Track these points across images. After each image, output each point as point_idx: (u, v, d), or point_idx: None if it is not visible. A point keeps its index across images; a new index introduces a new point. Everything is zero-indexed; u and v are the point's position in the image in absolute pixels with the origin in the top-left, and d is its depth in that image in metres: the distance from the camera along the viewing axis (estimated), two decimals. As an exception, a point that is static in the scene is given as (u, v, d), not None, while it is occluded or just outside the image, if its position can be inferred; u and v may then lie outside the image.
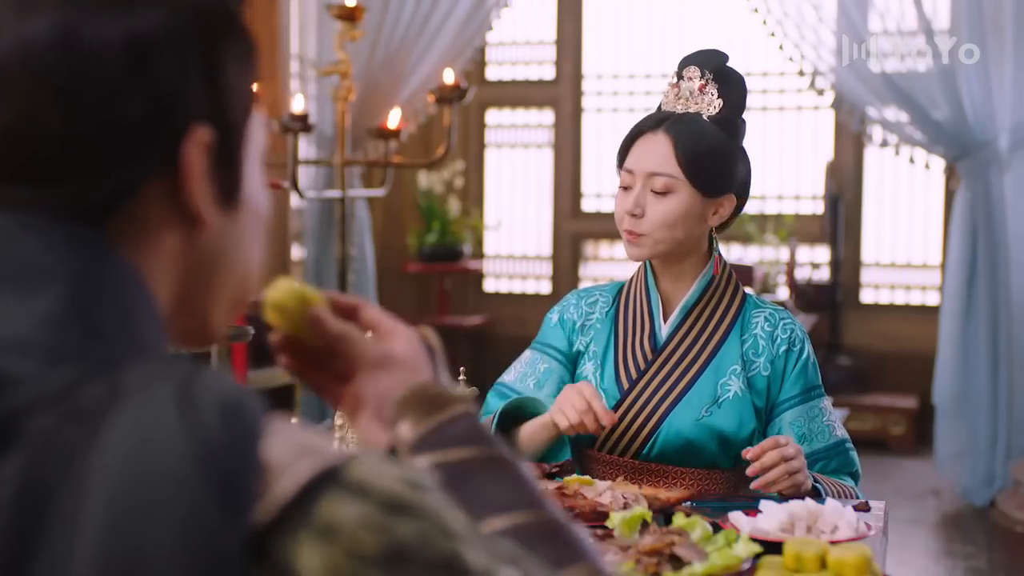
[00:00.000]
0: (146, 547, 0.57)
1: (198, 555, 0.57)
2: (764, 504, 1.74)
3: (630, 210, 2.03)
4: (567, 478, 1.85)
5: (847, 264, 6.33)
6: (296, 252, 5.76)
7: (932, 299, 6.20)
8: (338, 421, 1.83)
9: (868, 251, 6.39)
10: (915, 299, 6.37)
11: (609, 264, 6.73)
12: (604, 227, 6.48)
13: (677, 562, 1.53)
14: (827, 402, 2.09)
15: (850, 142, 6.23)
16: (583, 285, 6.63)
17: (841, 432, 2.08)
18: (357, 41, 4.13)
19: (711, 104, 2.04)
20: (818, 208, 6.40)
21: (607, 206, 6.51)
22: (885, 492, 4.81)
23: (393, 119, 4.16)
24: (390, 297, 6.36)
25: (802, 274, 6.19)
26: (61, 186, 0.68)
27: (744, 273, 4.89)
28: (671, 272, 2.10)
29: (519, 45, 6.90)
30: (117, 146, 0.68)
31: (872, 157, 6.30)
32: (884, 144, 5.23)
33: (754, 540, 1.61)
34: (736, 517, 1.73)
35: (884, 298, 6.41)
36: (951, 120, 4.97)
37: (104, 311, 0.67)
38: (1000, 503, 4.83)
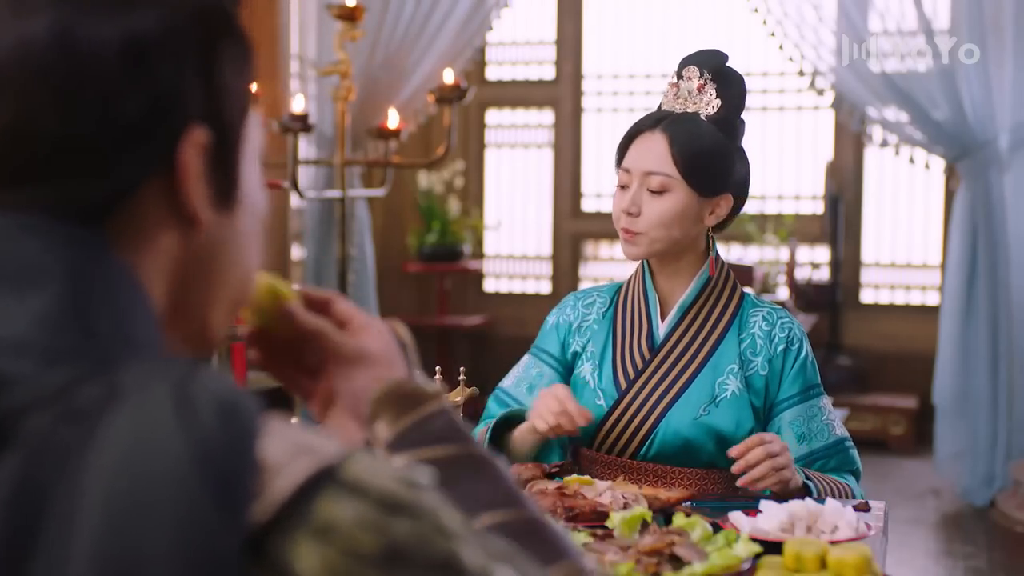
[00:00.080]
0: (143, 547, 0.57)
1: (195, 555, 0.57)
2: (764, 504, 1.74)
3: (626, 209, 2.04)
4: (567, 478, 1.85)
5: (847, 264, 6.33)
6: (296, 252, 5.76)
7: (932, 299, 6.20)
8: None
9: (868, 251, 6.39)
10: (915, 299, 6.37)
11: (609, 264, 6.73)
12: (604, 227, 6.47)
13: (677, 562, 1.53)
14: (826, 401, 2.09)
15: (850, 142, 6.23)
16: (583, 285, 6.64)
17: (841, 431, 2.08)
18: (357, 41, 4.13)
19: (709, 104, 2.05)
20: (818, 208, 6.40)
21: (607, 206, 6.50)
22: (885, 492, 4.81)
23: (392, 120, 4.16)
24: (390, 297, 6.36)
25: (802, 274, 6.19)
26: (59, 186, 0.68)
27: (744, 273, 4.89)
28: (668, 271, 2.10)
29: (519, 45, 6.90)
30: (115, 146, 0.68)
31: (872, 157, 6.30)
32: (884, 144, 5.23)
33: (754, 540, 1.61)
34: (736, 517, 1.73)
35: (884, 298, 6.41)
36: (951, 120, 4.97)
37: (101, 311, 0.67)
38: (1000, 503, 4.83)
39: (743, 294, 2.13)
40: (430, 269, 6.55)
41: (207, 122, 0.71)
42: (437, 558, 0.61)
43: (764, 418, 2.06)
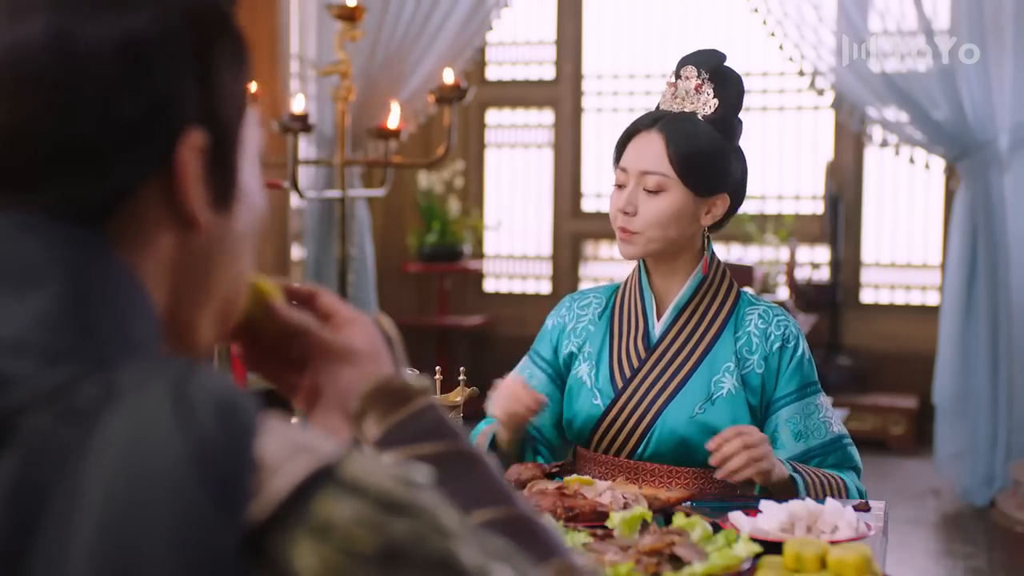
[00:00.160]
0: (141, 546, 0.57)
1: (193, 555, 0.57)
2: (764, 504, 1.74)
3: (622, 208, 2.05)
4: (567, 478, 1.85)
5: (847, 264, 6.33)
6: (296, 252, 5.76)
7: (932, 299, 6.20)
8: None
9: (868, 251, 6.39)
10: (915, 299, 6.37)
11: (609, 264, 6.73)
12: (604, 227, 6.44)
13: (677, 562, 1.53)
14: (823, 399, 2.09)
15: (850, 142, 6.23)
16: (583, 285, 6.64)
17: (838, 428, 2.08)
18: (357, 41, 4.13)
19: (707, 104, 2.05)
20: (818, 208, 6.40)
21: (607, 206, 6.49)
22: (885, 492, 4.81)
23: (393, 117, 4.16)
24: (390, 297, 6.36)
25: (802, 274, 6.19)
26: (57, 188, 0.68)
27: (744, 273, 4.89)
28: (664, 271, 2.11)
29: (519, 45, 6.90)
30: (112, 148, 0.68)
31: (872, 157, 6.30)
32: (884, 144, 5.23)
33: (754, 540, 1.61)
34: (736, 517, 1.73)
35: (884, 298, 6.41)
36: (951, 120, 4.97)
37: (100, 311, 0.67)
38: (1000, 503, 4.83)
39: (739, 292, 2.13)
40: (430, 269, 6.55)
41: (204, 123, 0.71)
42: (435, 557, 0.61)
43: (761, 416, 2.06)
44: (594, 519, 1.72)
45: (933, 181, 6.11)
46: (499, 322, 6.75)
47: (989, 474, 4.95)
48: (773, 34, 5.24)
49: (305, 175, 5.50)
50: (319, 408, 0.91)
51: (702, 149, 2.03)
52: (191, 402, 0.60)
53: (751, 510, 1.75)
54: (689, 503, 1.88)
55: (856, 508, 1.83)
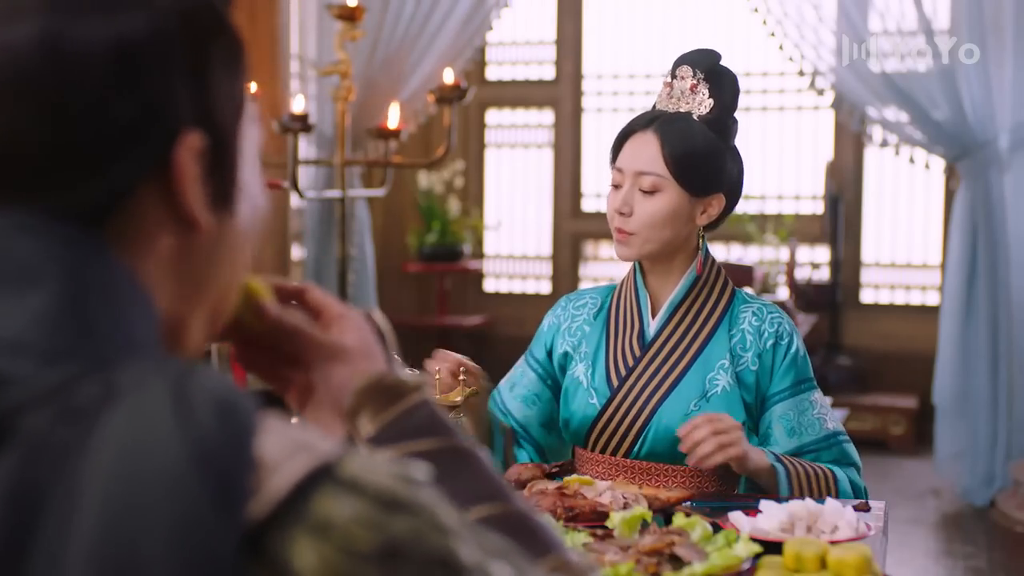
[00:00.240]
0: (141, 546, 0.57)
1: (193, 554, 0.57)
2: (764, 504, 1.74)
3: (618, 208, 2.06)
4: (567, 478, 1.85)
5: (847, 264, 6.33)
6: (296, 252, 5.76)
7: (932, 299, 6.20)
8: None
9: (868, 251, 6.39)
10: (915, 299, 6.37)
11: (609, 264, 6.73)
12: (604, 227, 6.42)
13: (677, 562, 1.53)
14: (818, 395, 2.09)
15: (850, 142, 6.23)
16: (583, 285, 6.64)
17: (833, 425, 2.08)
18: (357, 41, 4.13)
19: (702, 104, 2.06)
20: (818, 208, 6.40)
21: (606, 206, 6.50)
22: (885, 492, 4.81)
23: (393, 117, 4.16)
24: (390, 297, 6.36)
25: (802, 274, 6.19)
26: (53, 191, 0.68)
27: (744, 273, 4.89)
28: (659, 271, 2.12)
29: (519, 45, 6.90)
30: (106, 151, 0.68)
31: (872, 157, 6.30)
32: (884, 144, 5.23)
33: (754, 540, 1.61)
34: (736, 517, 1.73)
35: (884, 298, 6.41)
36: (951, 120, 4.97)
37: (99, 310, 0.67)
38: (1000, 503, 4.83)
39: (734, 291, 2.14)
40: (430, 269, 6.55)
41: (201, 124, 0.71)
42: (434, 555, 0.61)
43: (756, 413, 2.06)
44: (594, 519, 1.72)
45: (933, 181, 6.11)
46: (499, 322, 6.75)
47: (989, 474, 4.95)
48: (773, 34, 5.24)
49: (305, 175, 5.50)
50: (312, 406, 0.90)
51: (697, 149, 2.04)
52: (190, 401, 0.60)
53: (751, 510, 1.75)
54: (689, 503, 1.88)
55: (856, 508, 1.83)
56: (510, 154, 6.99)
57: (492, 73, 6.94)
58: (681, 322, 2.09)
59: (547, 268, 6.91)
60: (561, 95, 6.76)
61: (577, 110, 6.76)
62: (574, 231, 6.76)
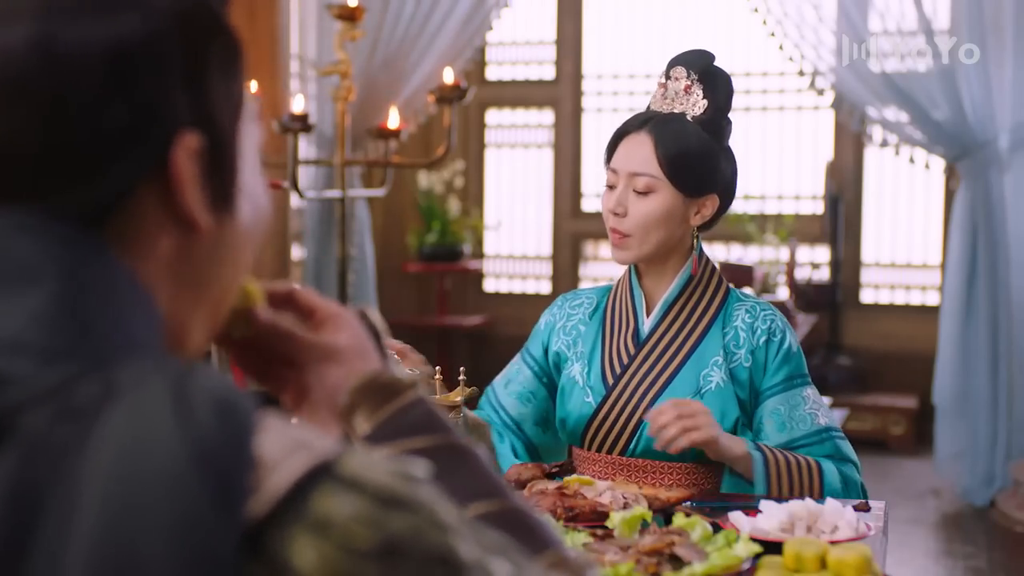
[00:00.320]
0: (140, 545, 0.57)
1: (193, 553, 0.57)
2: (764, 504, 1.74)
3: (612, 209, 2.08)
4: (567, 478, 1.85)
5: (847, 264, 6.33)
6: (296, 252, 5.76)
7: (932, 299, 6.20)
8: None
9: (868, 251, 6.39)
10: (915, 299, 6.37)
11: (609, 264, 6.72)
12: (604, 227, 6.44)
13: (677, 562, 1.53)
14: (810, 391, 2.09)
15: (850, 142, 6.23)
16: (583, 285, 6.64)
17: (826, 421, 2.07)
18: (357, 41, 4.13)
19: (696, 105, 2.07)
20: (818, 208, 6.40)
21: (607, 206, 6.50)
22: (885, 492, 4.81)
23: (393, 117, 4.16)
24: (390, 297, 6.36)
25: (802, 274, 6.19)
26: (50, 193, 0.68)
27: (744, 273, 4.89)
28: (654, 272, 2.14)
29: (519, 45, 6.90)
30: (102, 153, 0.68)
31: (872, 157, 6.30)
32: (884, 144, 5.23)
33: (754, 540, 1.61)
34: (736, 517, 1.73)
35: (884, 298, 6.41)
36: (951, 120, 4.97)
37: (98, 310, 0.67)
38: (1000, 503, 4.83)
39: (728, 290, 2.15)
40: (430, 269, 6.55)
41: (199, 125, 0.71)
42: (434, 552, 0.61)
43: (750, 409, 2.08)
44: (594, 519, 1.72)
45: (933, 181, 6.11)
46: (499, 322, 6.75)
47: (989, 474, 4.95)
48: (773, 34, 5.24)
49: (305, 175, 5.50)
50: (307, 408, 0.90)
51: (691, 150, 2.05)
52: (190, 401, 0.60)
53: (751, 510, 1.75)
54: (689, 503, 1.88)
55: (856, 508, 1.83)
56: (510, 154, 6.99)
57: (492, 73, 6.94)
58: (675, 320, 2.11)
59: (547, 268, 6.91)
60: (561, 95, 6.76)
61: (577, 110, 6.76)
62: (574, 231, 6.76)
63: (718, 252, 6.32)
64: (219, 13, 0.74)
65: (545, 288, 6.88)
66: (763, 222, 6.19)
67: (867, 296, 6.41)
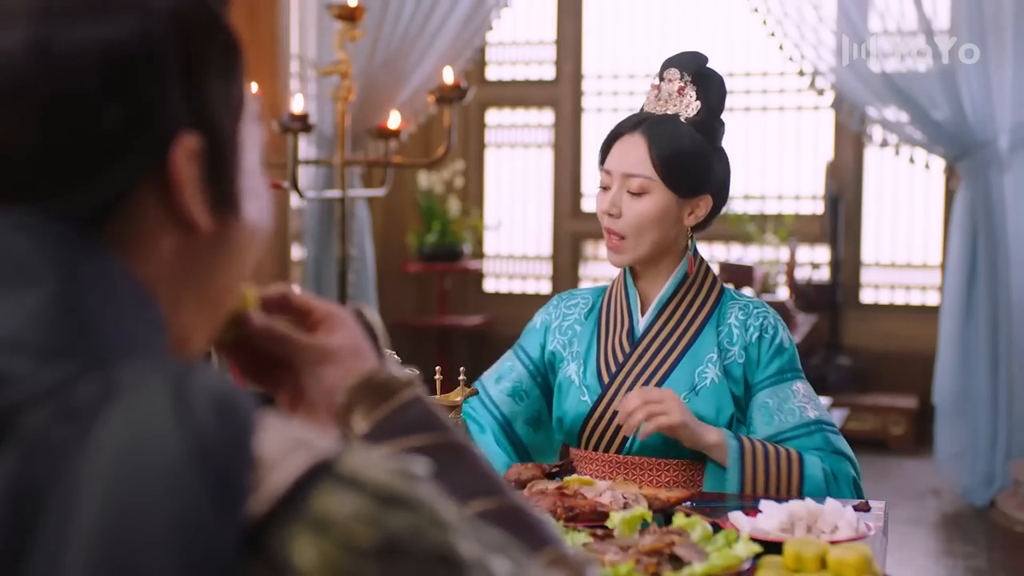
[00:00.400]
0: (141, 543, 0.57)
1: (193, 551, 0.57)
2: (764, 504, 1.74)
3: (607, 210, 2.10)
4: (567, 478, 1.85)
5: (847, 264, 6.32)
6: (296, 252, 5.76)
7: (932, 299, 6.20)
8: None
9: (868, 251, 6.39)
10: (915, 299, 6.37)
11: (609, 264, 6.71)
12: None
13: (677, 562, 1.53)
14: (801, 385, 2.10)
15: (850, 142, 6.23)
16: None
17: (816, 414, 2.07)
18: (357, 41, 4.13)
19: (689, 106, 2.09)
20: (818, 208, 6.40)
21: (607, 206, 6.49)
22: (885, 492, 4.81)
23: (393, 120, 4.16)
24: (390, 297, 6.36)
25: (802, 274, 6.19)
26: (48, 194, 0.68)
27: (744, 273, 4.89)
28: (649, 273, 2.16)
29: (519, 45, 6.90)
30: (98, 156, 0.68)
31: (872, 157, 6.30)
32: (884, 144, 5.23)
33: (754, 540, 1.61)
34: (736, 517, 1.73)
35: (884, 298, 6.41)
36: (951, 120, 4.97)
37: (97, 310, 0.67)
38: (1000, 503, 4.83)
39: (723, 289, 2.17)
40: (430, 269, 6.55)
41: (198, 127, 0.71)
42: (434, 550, 0.61)
43: (744, 405, 2.08)
44: (594, 519, 1.72)
45: (933, 181, 6.11)
46: (499, 322, 6.75)
47: (989, 474, 4.95)
48: (773, 34, 5.24)
49: (305, 175, 5.50)
50: (304, 409, 0.90)
51: (684, 151, 2.06)
52: (190, 400, 0.60)
53: (751, 510, 1.75)
54: (689, 503, 1.88)
55: (856, 508, 1.83)
56: (510, 154, 6.99)
57: (492, 73, 6.94)
58: (670, 319, 2.12)
59: (547, 268, 6.91)
60: (561, 95, 6.76)
61: (577, 110, 6.76)
62: (574, 231, 6.76)
63: (718, 252, 6.32)
64: (218, 14, 0.74)
65: (545, 288, 6.88)
66: (763, 222, 6.19)
67: (867, 296, 6.41)
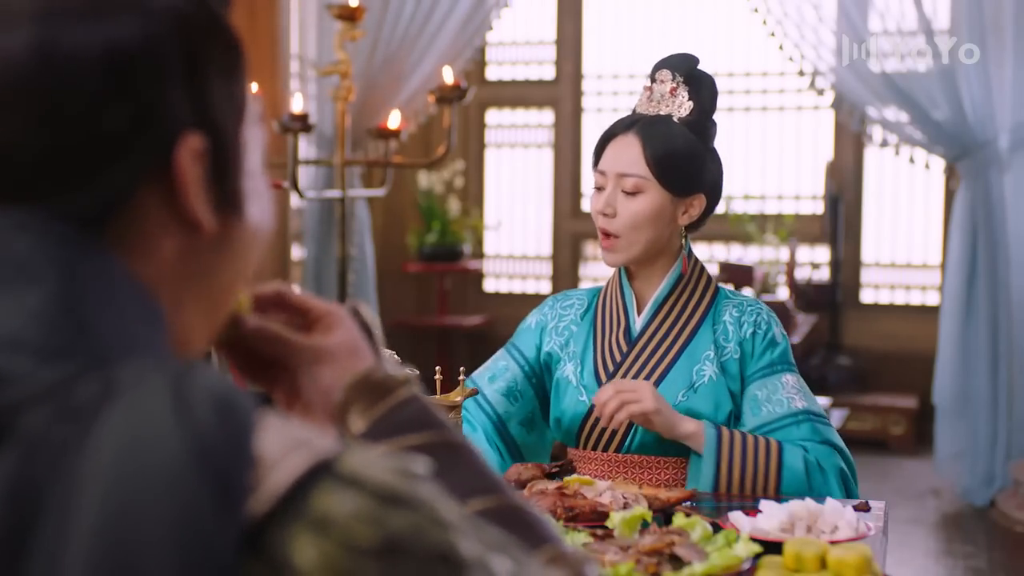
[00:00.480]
0: (141, 543, 0.57)
1: (193, 551, 0.57)
2: (764, 504, 1.74)
3: (601, 210, 2.10)
4: (567, 478, 1.85)
5: (847, 264, 6.32)
6: (296, 252, 5.76)
7: (932, 299, 6.20)
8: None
9: (868, 251, 6.39)
10: (915, 299, 6.37)
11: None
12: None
13: (677, 562, 1.53)
14: (791, 377, 2.10)
15: (850, 142, 6.23)
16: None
17: (803, 404, 2.07)
18: (357, 41, 4.13)
19: (681, 106, 2.11)
20: (818, 208, 6.40)
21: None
22: (885, 492, 4.81)
23: (393, 120, 4.16)
24: (390, 297, 6.36)
25: (802, 274, 6.19)
26: (49, 194, 0.68)
27: (744, 273, 4.89)
28: (643, 273, 2.16)
29: (519, 45, 6.90)
30: (100, 157, 0.68)
31: (872, 157, 6.30)
32: (884, 144, 5.23)
33: (754, 540, 1.61)
34: (736, 517, 1.73)
35: (884, 298, 6.41)
36: (951, 120, 4.97)
37: (97, 309, 0.67)
38: (1000, 503, 4.83)
39: (717, 288, 2.19)
40: (430, 269, 6.55)
41: (201, 127, 0.71)
42: (435, 550, 0.61)
43: (740, 400, 2.09)
44: (594, 519, 1.72)
45: (933, 181, 6.11)
46: (499, 322, 6.75)
47: (989, 474, 4.95)
48: (773, 34, 5.24)
49: (305, 175, 5.50)
50: (301, 409, 0.90)
51: (678, 150, 2.08)
52: (189, 399, 0.60)
53: (751, 510, 1.76)
54: (689, 503, 1.88)
55: (856, 508, 1.83)
56: (510, 154, 6.99)
57: (492, 73, 6.94)
58: (667, 318, 2.13)
59: (547, 268, 6.91)
60: (561, 95, 6.76)
61: (577, 110, 6.76)
62: (574, 231, 6.76)
63: (718, 252, 6.32)
64: (219, 15, 0.74)
65: (545, 288, 6.88)
66: (763, 222, 6.18)
67: (867, 296, 6.41)
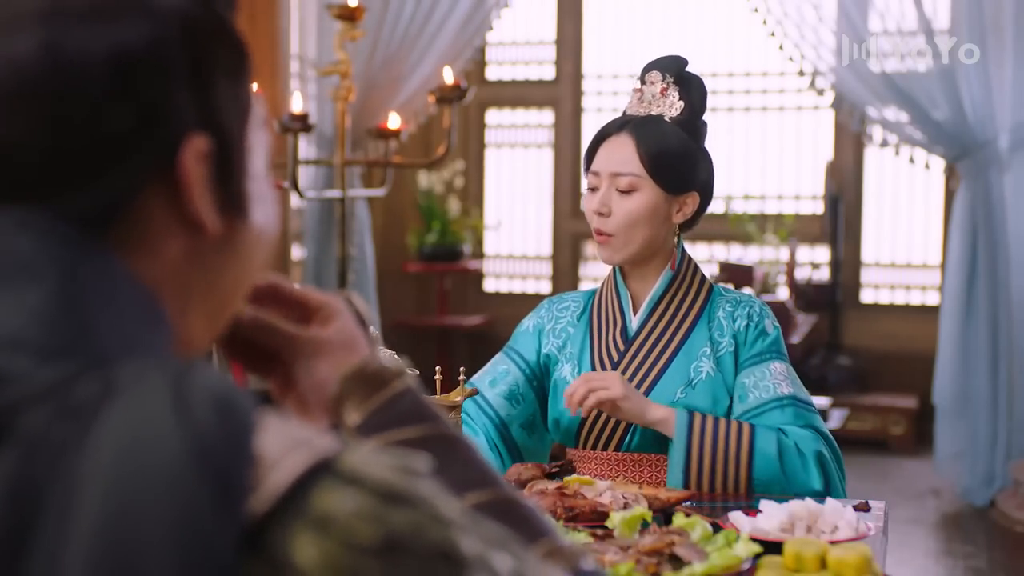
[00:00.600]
0: (140, 542, 0.56)
1: (193, 550, 0.57)
2: (764, 504, 1.74)
3: (597, 209, 2.11)
4: (567, 478, 1.85)
5: (847, 264, 6.32)
6: (296, 252, 5.77)
7: (932, 299, 6.20)
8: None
9: (868, 251, 6.39)
10: (915, 299, 6.37)
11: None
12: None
13: (677, 562, 1.53)
14: (779, 365, 2.10)
15: (850, 142, 6.23)
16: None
17: (789, 390, 2.07)
18: (357, 41, 4.13)
19: (672, 106, 2.13)
20: (818, 208, 6.40)
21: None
22: (885, 492, 4.81)
23: (393, 120, 4.16)
24: (390, 297, 6.36)
25: (802, 274, 6.19)
26: (53, 195, 0.68)
27: (744, 273, 4.89)
28: (638, 273, 2.17)
29: (519, 45, 6.90)
30: (105, 158, 0.68)
31: (872, 157, 6.30)
32: (884, 144, 5.23)
33: (754, 540, 1.61)
34: (736, 517, 1.73)
35: (884, 298, 6.41)
36: (951, 120, 4.97)
37: (97, 309, 0.67)
38: (1000, 503, 4.83)
39: (712, 287, 2.20)
40: (430, 269, 6.55)
41: (207, 129, 0.71)
42: (436, 547, 0.61)
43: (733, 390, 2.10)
44: (594, 519, 1.72)
45: (933, 181, 6.11)
46: (499, 322, 6.75)
47: (989, 474, 4.95)
48: (773, 34, 5.24)
49: (305, 175, 5.50)
50: (295, 400, 0.90)
51: (671, 148, 2.10)
52: (189, 399, 0.60)
53: (751, 510, 1.76)
54: (689, 503, 1.88)
55: (856, 508, 1.84)
56: (510, 154, 6.99)
57: (492, 73, 6.94)
58: (663, 316, 2.14)
59: (547, 268, 6.91)
60: (561, 95, 6.76)
61: (577, 110, 6.76)
62: (574, 231, 6.76)
63: (718, 252, 6.32)
64: (224, 18, 0.74)
65: (545, 288, 6.88)
66: (763, 222, 6.19)
67: (867, 296, 6.41)
